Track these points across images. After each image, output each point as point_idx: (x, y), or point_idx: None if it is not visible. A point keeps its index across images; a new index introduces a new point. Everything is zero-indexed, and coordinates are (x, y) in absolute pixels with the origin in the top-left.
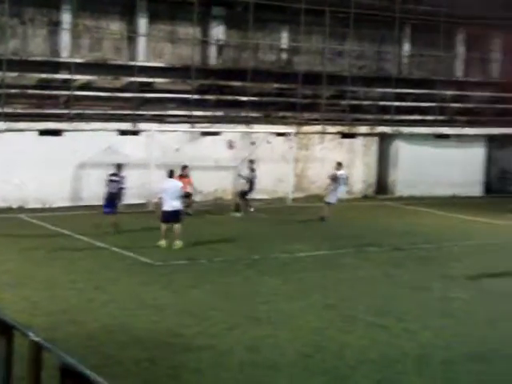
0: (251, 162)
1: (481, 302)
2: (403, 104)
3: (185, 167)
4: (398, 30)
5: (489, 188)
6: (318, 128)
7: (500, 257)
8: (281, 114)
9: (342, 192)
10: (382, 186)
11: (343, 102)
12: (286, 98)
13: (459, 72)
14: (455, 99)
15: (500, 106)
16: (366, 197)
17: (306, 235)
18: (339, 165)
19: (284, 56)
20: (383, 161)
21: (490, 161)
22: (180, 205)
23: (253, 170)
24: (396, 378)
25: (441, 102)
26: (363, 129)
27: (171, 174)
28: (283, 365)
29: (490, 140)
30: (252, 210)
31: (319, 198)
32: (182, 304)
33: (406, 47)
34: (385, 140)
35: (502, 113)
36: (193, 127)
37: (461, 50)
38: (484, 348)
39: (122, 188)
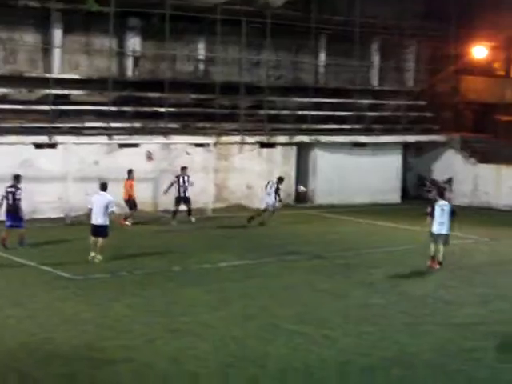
0: (183, 169)
1: (400, 306)
2: (320, 113)
3: (131, 171)
4: (314, 39)
5: (406, 194)
6: (237, 138)
7: (418, 261)
8: (199, 124)
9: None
10: (301, 194)
11: (261, 112)
12: (204, 108)
13: (375, 81)
14: (371, 108)
15: (415, 114)
16: (285, 206)
17: (227, 245)
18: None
19: (201, 67)
20: (302, 170)
21: (406, 168)
22: (106, 220)
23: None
24: None
25: (357, 110)
26: (282, 138)
27: (103, 187)
28: (204, 376)
29: (406, 147)
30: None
31: (239, 207)
32: (103, 318)
33: (322, 57)
34: (303, 149)
35: (417, 120)
36: (111, 139)
37: (376, 59)
38: (404, 353)
39: (17, 199)
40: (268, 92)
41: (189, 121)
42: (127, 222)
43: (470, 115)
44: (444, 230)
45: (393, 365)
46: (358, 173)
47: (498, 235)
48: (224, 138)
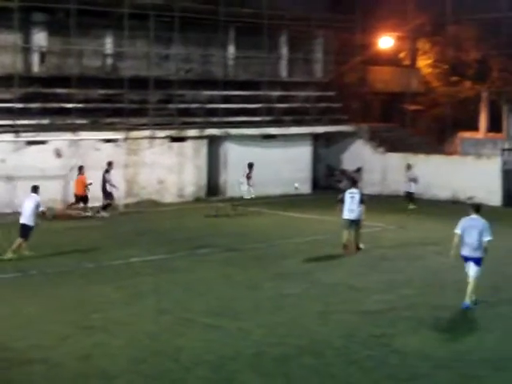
0: (109, 164)
1: (312, 296)
2: (230, 106)
3: (81, 167)
4: (222, 32)
5: (316, 185)
6: (147, 133)
7: (329, 251)
8: (108, 120)
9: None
10: (213, 187)
11: (171, 106)
12: (112, 103)
13: (284, 73)
14: (281, 100)
15: (323, 105)
16: (197, 199)
17: (138, 241)
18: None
19: (109, 61)
20: (213, 163)
21: (316, 159)
22: (30, 220)
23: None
24: (231, 377)
25: (267, 102)
26: (192, 132)
27: (34, 190)
28: (116, 372)
29: (316, 138)
30: (89, 213)
31: (151, 202)
32: (13, 317)
33: (231, 50)
34: (214, 142)
35: (326, 111)
36: (18, 136)
37: (284, 51)
38: (315, 341)
39: None
40: (177, 86)
41: (97, 116)
42: (104, 214)
43: (377, 105)
44: (353, 216)
45: (305, 353)
46: (268, 164)
47: (405, 222)
48: (134, 133)
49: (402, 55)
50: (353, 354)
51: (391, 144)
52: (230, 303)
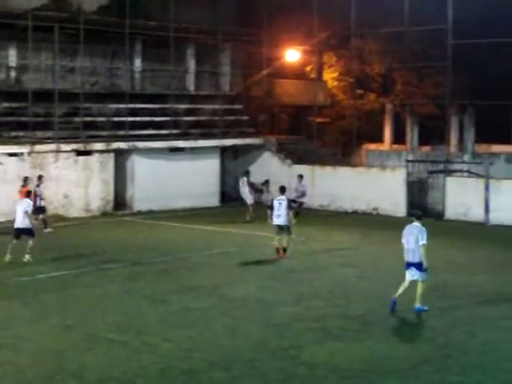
0: (39, 178)
1: (220, 309)
2: (137, 119)
3: (26, 179)
4: (128, 45)
5: (225, 198)
6: (53, 146)
7: (237, 264)
8: (12, 133)
9: None
10: (120, 201)
11: (77, 119)
12: (17, 117)
13: (191, 86)
14: (188, 113)
15: (231, 118)
16: (104, 214)
17: (44, 256)
18: None
19: (13, 74)
20: (120, 176)
21: (224, 171)
22: (25, 223)
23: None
24: None
25: (174, 115)
26: (99, 145)
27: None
28: None
29: (224, 151)
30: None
31: (57, 217)
32: None
33: (138, 62)
34: (121, 156)
35: (234, 124)
36: None
37: (192, 63)
38: (224, 355)
39: None
40: (83, 99)
41: (1, 130)
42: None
43: (284, 118)
44: (281, 222)
45: (213, 367)
46: (176, 178)
47: (313, 234)
48: (38, 147)
49: (308, 68)
50: (261, 366)
51: (298, 156)
52: (136, 318)
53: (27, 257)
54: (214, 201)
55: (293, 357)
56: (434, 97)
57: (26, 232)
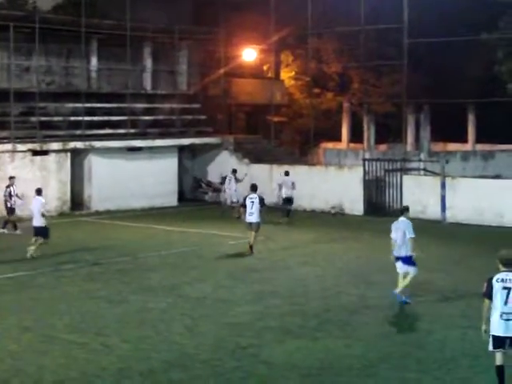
0: (11, 178)
1: (178, 309)
2: (94, 118)
3: (12, 177)
4: (84, 44)
5: (183, 197)
6: (8, 146)
7: (195, 263)
8: None
9: None
10: (77, 202)
11: (33, 119)
12: None
13: (148, 85)
14: (146, 112)
15: (189, 117)
16: (61, 214)
17: (2, 257)
18: None
19: None
20: (77, 176)
21: (182, 171)
22: (40, 222)
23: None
24: None
25: (132, 115)
26: (55, 145)
27: (38, 192)
28: None
29: (182, 150)
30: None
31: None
32: None
33: (94, 61)
34: (78, 155)
35: (191, 123)
36: None
37: (149, 62)
38: (183, 355)
39: None
40: (39, 98)
41: None
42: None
43: (242, 117)
44: (253, 219)
45: (172, 367)
46: (134, 177)
47: (272, 233)
48: None
49: (265, 67)
50: (221, 365)
51: (256, 155)
52: (94, 319)
53: (31, 250)
54: (172, 200)
55: (252, 356)
56: (390, 95)
57: (39, 231)
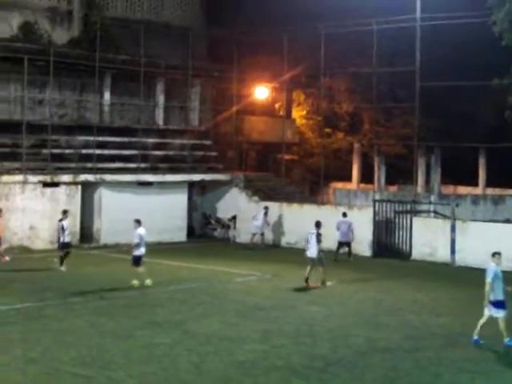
0: (65, 212)
1: (185, 345)
2: (105, 152)
3: (65, 211)
4: (98, 78)
5: (192, 233)
6: (20, 177)
7: (202, 299)
8: None
9: None
10: (86, 234)
11: (45, 151)
12: None
13: (160, 120)
14: (157, 147)
15: (200, 153)
16: None
17: (8, 288)
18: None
19: None
20: (87, 209)
21: (192, 206)
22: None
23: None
24: None
25: (143, 149)
26: (66, 177)
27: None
28: None
29: (192, 186)
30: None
31: (22, 249)
32: None
33: (107, 96)
34: (88, 188)
35: (202, 159)
36: None
37: (161, 98)
38: None
39: None
40: (52, 131)
41: None
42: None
43: (253, 154)
44: (310, 254)
45: None
46: (143, 212)
47: (280, 272)
48: (5, 178)
49: (277, 106)
50: None
51: (266, 193)
52: (100, 353)
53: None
54: (181, 235)
55: None
56: (401, 137)
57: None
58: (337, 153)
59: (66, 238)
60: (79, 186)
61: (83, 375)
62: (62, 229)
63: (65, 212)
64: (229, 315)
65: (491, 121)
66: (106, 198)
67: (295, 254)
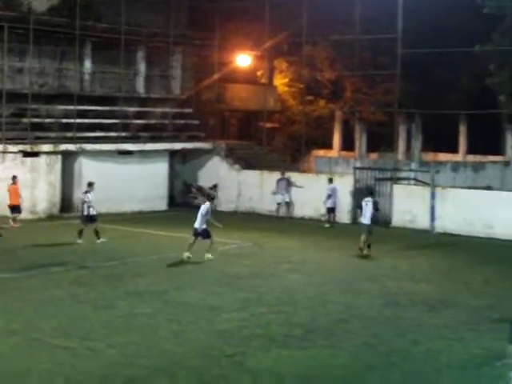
0: (90, 185)
1: (165, 315)
2: (86, 121)
3: (15, 177)
4: (78, 46)
5: (173, 202)
6: None
7: (183, 268)
8: None
9: None
10: (67, 204)
11: (24, 120)
12: None
13: (141, 88)
14: (138, 115)
15: (181, 122)
16: (51, 216)
17: None
18: None
19: None
20: (68, 179)
21: (173, 175)
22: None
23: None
24: None
25: (124, 118)
26: (46, 147)
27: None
28: None
29: (173, 155)
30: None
31: (3, 218)
32: None
33: (87, 64)
34: (68, 158)
35: (184, 128)
36: None
37: (142, 66)
38: (169, 361)
39: None
40: (32, 99)
41: None
42: (16, 224)
43: (235, 122)
44: (365, 221)
45: (157, 374)
46: (125, 181)
47: (260, 240)
48: None
49: (259, 74)
50: (206, 373)
51: (247, 161)
52: (80, 323)
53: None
54: (162, 204)
55: (237, 364)
56: (382, 104)
57: (201, 232)
58: (318, 120)
59: (92, 211)
60: (59, 156)
61: (64, 346)
62: (87, 201)
63: (90, 184)
64: (210, 284)
65: (472, 88)
66: (87, 168)
67: (276, 222)
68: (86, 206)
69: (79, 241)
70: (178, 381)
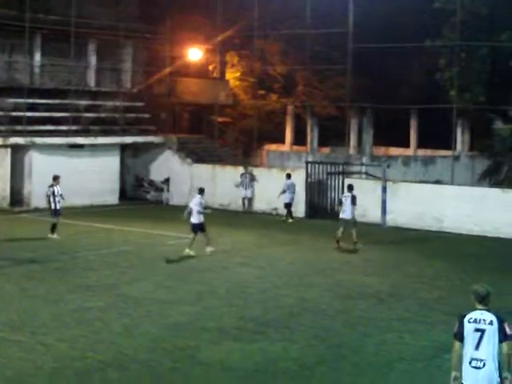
0: (56, 178)
1: (117, 308)
2: (36, 114)
3: (56, 177)
4: (28, 39)
5: (124, 196)
6: None
7: (135, 262)
8: None
9: None
10: (17, 198)
11: None
12: None
13: (92, 82)
14: (88, 109)
15: (132, 115)
16: (0, 210)
17: None
18: None
19: None
20: (17, 172)
21: (124, 169)
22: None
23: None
24: None
25: (74, 111)
26: None
27: (200, 192)
28: None
29: (124, 149)
30: None
31: None
32: None
33: (38, 57)
34: (18, 151)
35: (135, 122)
36: None
37: (93, 59)
38: (120, 355)
39: None
40: None
41: None
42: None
43: (186, 116)
44: (346, 215)
45: (109, 367)
46: (75, 175)
47: (213, 234)
48: None
49: (210, 67)
50: (157, 366)
51: (199, 155)
52: (30, 317)
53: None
54: (113, 198)
55: (189, 357)
56: (334, 99)
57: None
58: (270, 115)
59: (58, 205)
60: (9, 149)
61: (13, 340)
62: (53, 195)
63: (55, 178)
64: (162, 278)
65: (423, 83)
66: (37, 161)
67: (229, 216)
68: (51, 199)
69: (53, 236)
70: (129, 374)
